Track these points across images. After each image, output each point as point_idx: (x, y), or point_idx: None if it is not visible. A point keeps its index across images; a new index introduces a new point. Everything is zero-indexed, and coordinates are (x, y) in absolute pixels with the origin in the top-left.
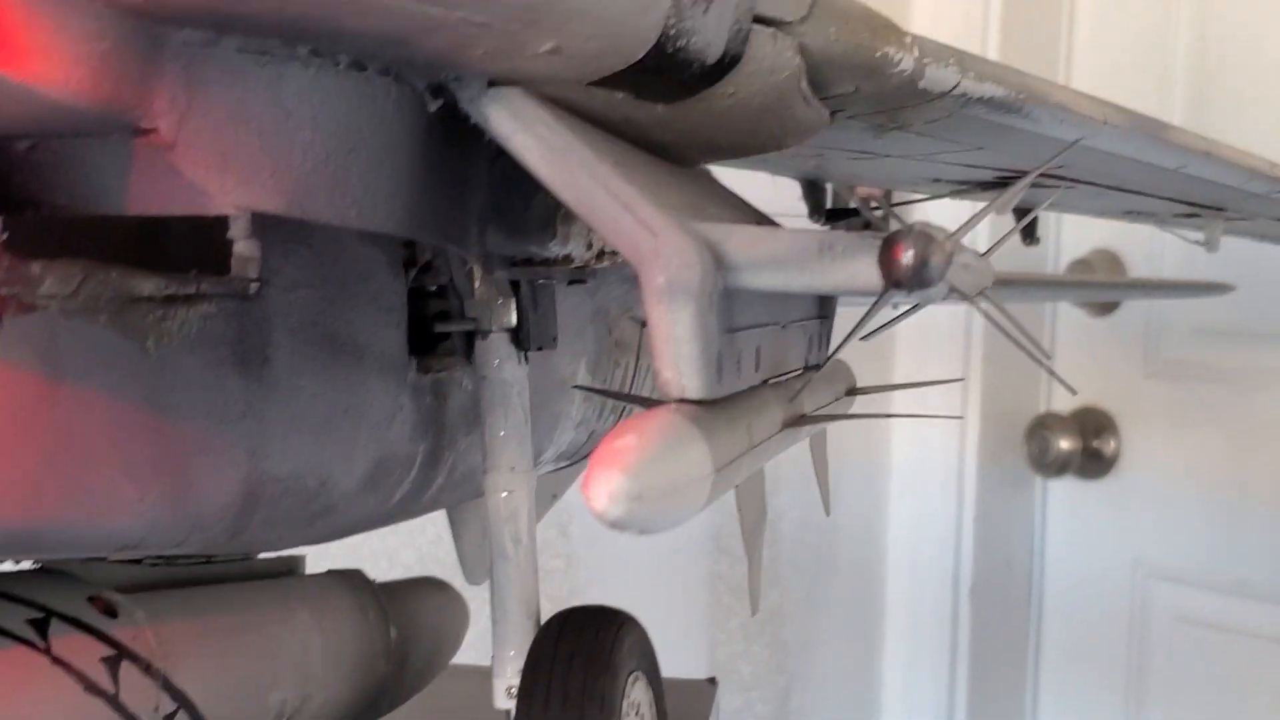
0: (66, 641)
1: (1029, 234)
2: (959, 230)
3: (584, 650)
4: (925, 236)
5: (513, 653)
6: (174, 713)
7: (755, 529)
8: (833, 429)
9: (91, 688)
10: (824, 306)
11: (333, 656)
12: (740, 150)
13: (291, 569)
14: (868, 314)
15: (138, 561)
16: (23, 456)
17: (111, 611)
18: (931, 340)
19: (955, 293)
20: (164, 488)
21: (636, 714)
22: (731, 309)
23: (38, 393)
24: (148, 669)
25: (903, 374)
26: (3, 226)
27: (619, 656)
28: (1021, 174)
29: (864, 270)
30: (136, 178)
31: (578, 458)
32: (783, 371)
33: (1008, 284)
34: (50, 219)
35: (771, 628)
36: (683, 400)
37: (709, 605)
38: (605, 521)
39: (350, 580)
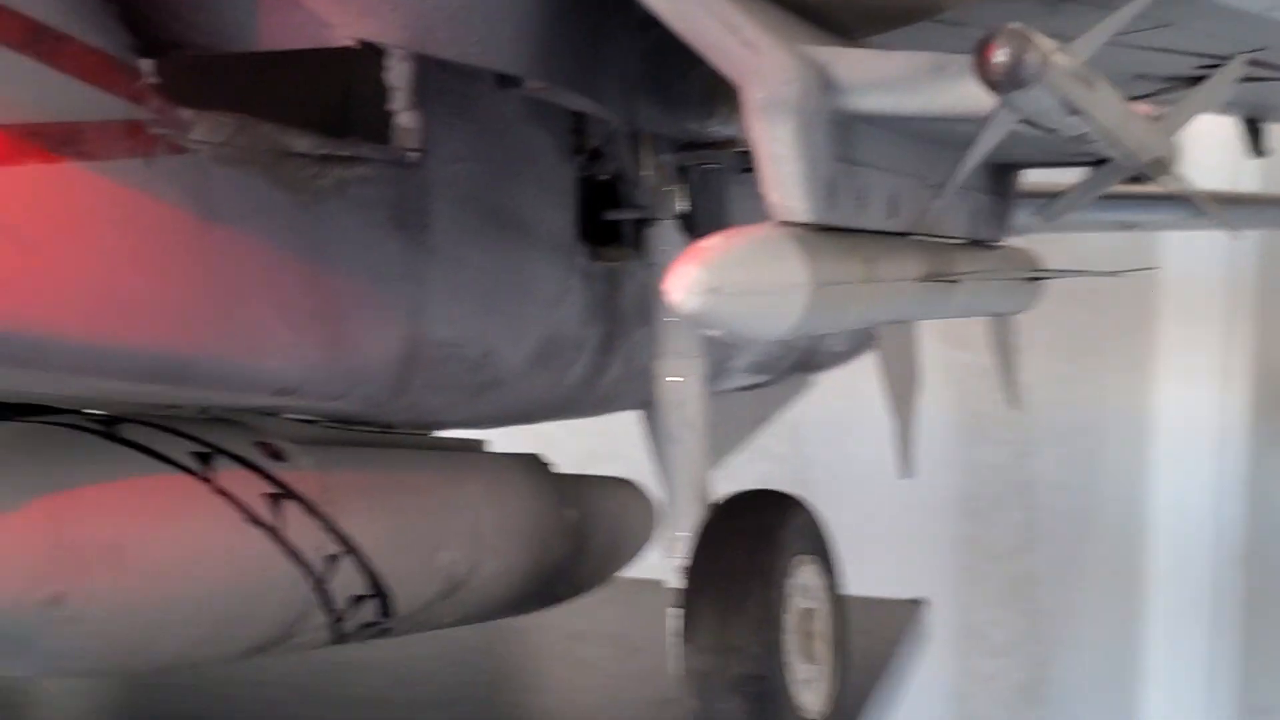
0: (230, 475)
1: (1255, 142)
2: (1083, 38)
3: (747, 528)
4: (1019, 34)
5: (682, 534)
6: (337, 555)
7: (905, 393)
8: (1092, 384)
9: (253, 519)
10: (998, 183)
11: (505, 528)
12: (898, 16)
13: (471, 448)
14: (981, 136)
15: (314, 422)
16: (172, 286)
17: (278, 455)
18: (1197, 290)
19: (1073, 112)
20: (320, 335)
21: (805, 595)
22: (852, 140)
23: (189, 228)
24: (312, 510)
25: (1168, 327)
26: (154, 70)
27: (783, 536)
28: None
29: (972, 87)
30: (265, 12)
31: (781, 370)
32: (933, 233)
33: (1237, 202)
34: (207, 68)
35: (1027, 592)
36: (787, 222)
37: (960, 569)
38: (683, 314)
39: (527, 461)
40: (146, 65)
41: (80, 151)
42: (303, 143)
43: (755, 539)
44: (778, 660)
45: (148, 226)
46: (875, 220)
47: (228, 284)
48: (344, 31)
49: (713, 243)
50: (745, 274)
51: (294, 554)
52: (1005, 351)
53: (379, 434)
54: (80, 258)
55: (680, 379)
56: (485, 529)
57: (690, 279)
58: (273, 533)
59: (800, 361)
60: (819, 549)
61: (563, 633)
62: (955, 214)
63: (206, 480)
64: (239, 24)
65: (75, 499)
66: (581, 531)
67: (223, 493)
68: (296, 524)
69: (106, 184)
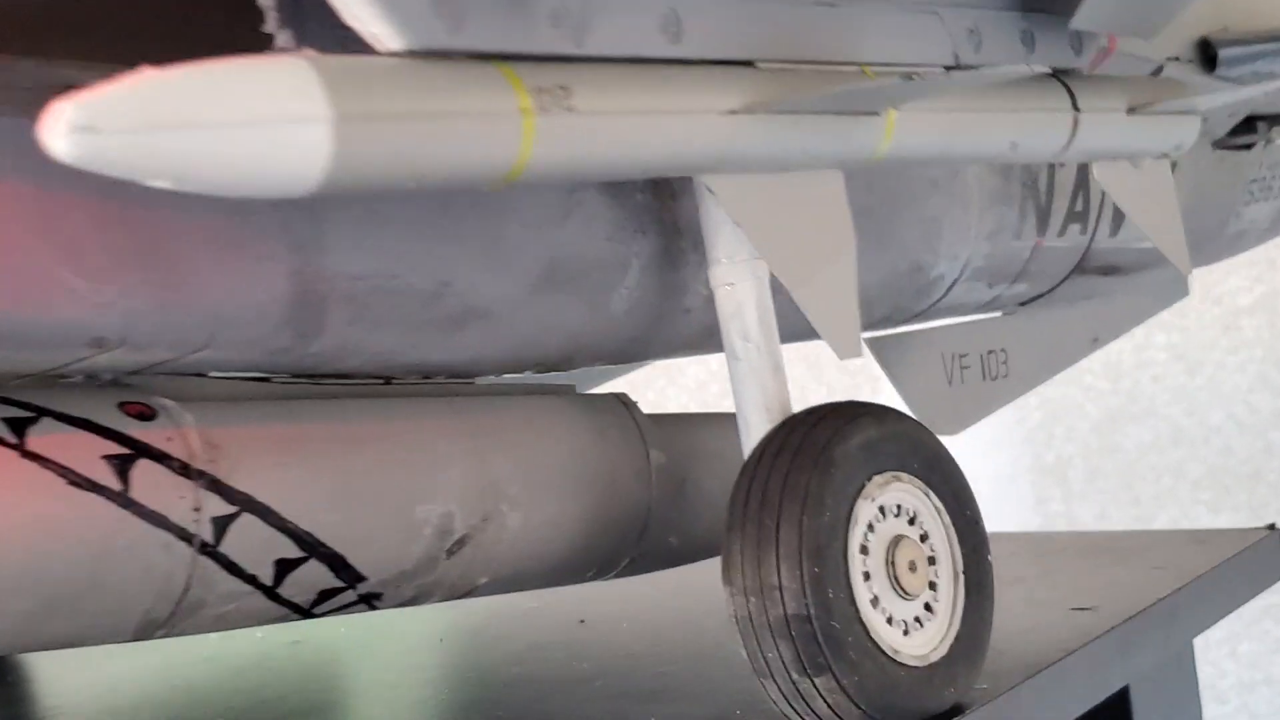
0: (52, 439)
1: None
2: None
3: (794, 446)
4: None
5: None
6: (234, 515)
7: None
8: None
9: (80, 482)
10: None
11: (540, 475)
12: None
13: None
14: None
15: (242, 379)
16: None
17: (145, 415)
18: None
19: None
20: (142, 280)
21: (891, 519)
22: None
23: None
24: (183, 469)
25: None
26: None
27: (838, 451)
28: None
29: None
30: None
31: (1051, 277)
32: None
33: None
34: None
35: None
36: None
37: None
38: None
39: (593, 401)
40: None
41: None
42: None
43: (801, 457)
44: (831, 597)
45: None
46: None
47: None
48: None
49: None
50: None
51: (154, 517)
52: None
53: (339, 385)
54: None
55: (731, 286)
56: (504, 477)
57: (61, 120)
58: (117, 496)
59: (1091, 265)
60: (918, 465)
61: None
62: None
63: (15, 447)
64: None
65: None
66: (674, 474)
67: (35, 456)
68: (156, 485)
69: None
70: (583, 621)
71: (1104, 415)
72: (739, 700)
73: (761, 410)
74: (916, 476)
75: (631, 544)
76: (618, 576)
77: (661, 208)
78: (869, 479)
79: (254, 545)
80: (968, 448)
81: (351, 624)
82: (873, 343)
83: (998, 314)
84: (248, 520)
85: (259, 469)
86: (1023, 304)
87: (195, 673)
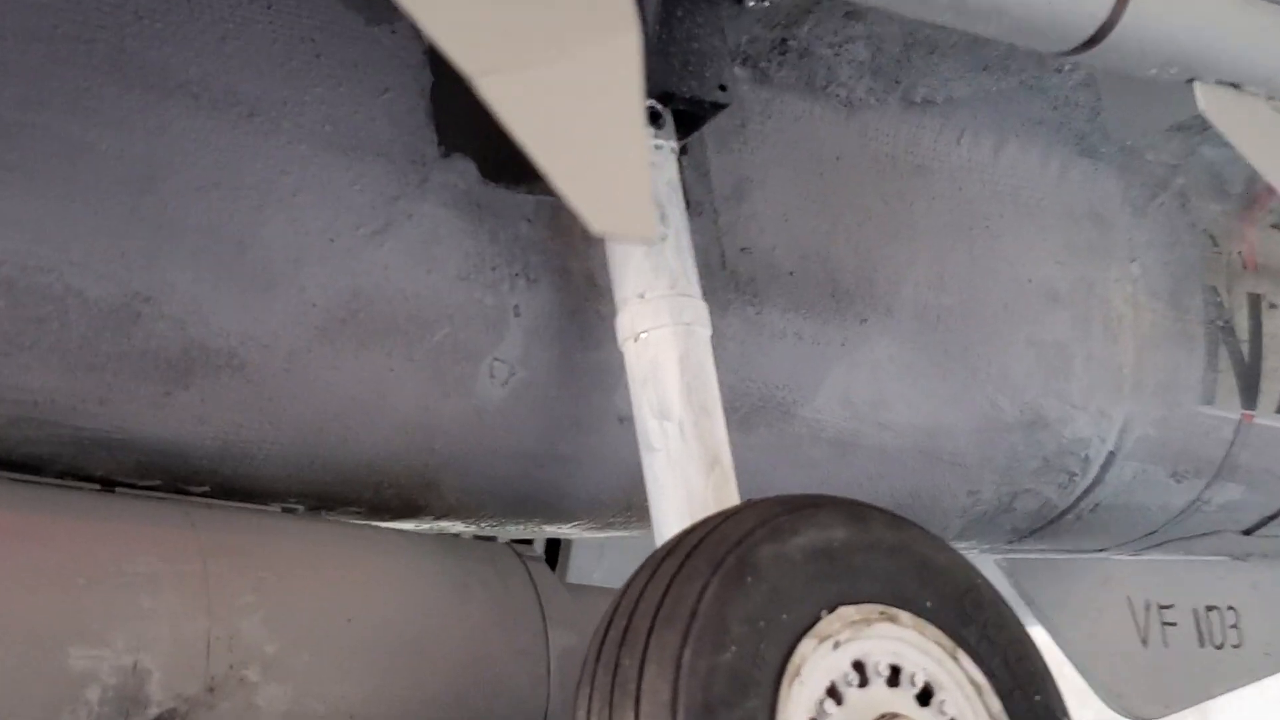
0: None
1: None
2: None
3: (689, 546)
4: None
5: None
6: None
7: None
8: None
9: None
10: None
11: (326, 628)
12: None
13: None
14: None
15: None
16: None
17: None
18: None
19: None
20: None
21: (892, 682)
22: None
23: None
24: None
25: None
26: None
27: (763, 553)
28: None
29: None
30: None
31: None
32: None
33: None
34: None
35: None
36: None
37: None
38: None
39: (459, 544)
40: None
41: None
42: None
43: (696, 559)
44: None
45: None
46: None
47: None
48: None
49: None
50: None
51: None
52: None
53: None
54: None
55: (646, 333)
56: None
57: None
58: None
59: None
60: (934, 602)
61: None
62: None
63: None
64: None
65: None
66: None
67: None
68: None
69: None
70: None
71: None
72: None
73: (684, 517)
74: (928, 619)
75: None
76: None
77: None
78: (827, 608)
79: None
80: None
81: None
82: (1012, 566)
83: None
84: None
85: None
86: (1248, 531)
87: None
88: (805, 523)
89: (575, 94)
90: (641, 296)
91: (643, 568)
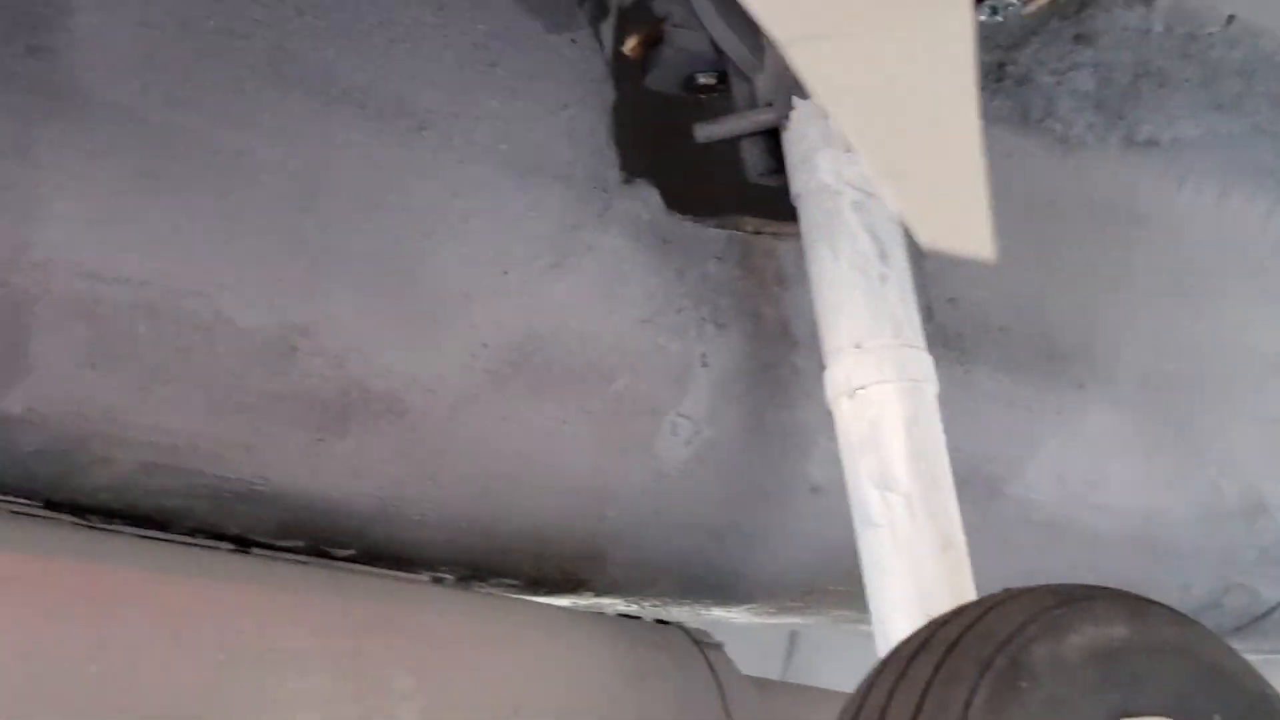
0: None
1: None
2: None
3: (944, 643)
4: None
5: None
6: None
7: None
8: None
9: None
10: None
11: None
12: None
13: None
14: None
15: None
16: None
17: None
18: None
19: None
20: None
21: None
22: None
23: None
24: None
25: None
26: None
27: (1038, 653)
28: None
29: None
30: None
31: None
32: None
33: None
34: None
35: None
36: None
37: None
38: None
39: (635, 628)
40: None
41: None
42: None
43: (956, 660)
44: None
45: None
46: None
47: None
48: None
49: None
50: None
51: None
52: None
53: None
54: None
55: (863, 389)
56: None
57: None
58: None
59: None
60: (1199, 710)
61: None
62: None
63: None
64: None
65: None
66: None
67: None
68: None
69: None
70: None
71: None
72: None
73: (912, 606)
74: None
75: None
76: None
77: (749, 282)
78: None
79: None
80: None
81: None
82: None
83: None
84: None
85: None
86: None
87: None
88: (1082, 618)
89: (903, 74)
90: (859, 346)
91: (886, 665)
